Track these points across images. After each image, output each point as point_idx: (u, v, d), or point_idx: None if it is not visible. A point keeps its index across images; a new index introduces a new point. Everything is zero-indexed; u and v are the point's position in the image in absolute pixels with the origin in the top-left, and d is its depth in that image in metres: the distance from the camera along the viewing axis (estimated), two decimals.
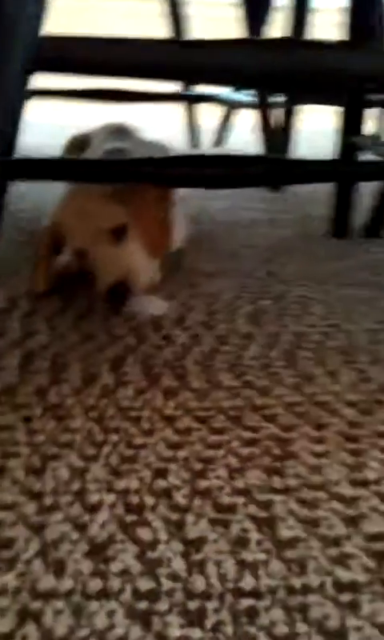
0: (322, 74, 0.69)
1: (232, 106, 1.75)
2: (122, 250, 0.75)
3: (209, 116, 2.02)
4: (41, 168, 0.61)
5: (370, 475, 0.51)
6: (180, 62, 0.62)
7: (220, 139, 1.94)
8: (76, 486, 0.48)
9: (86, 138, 1.08)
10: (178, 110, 1.96)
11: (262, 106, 1.40)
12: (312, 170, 0.76)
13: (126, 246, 0.76)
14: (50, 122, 2.21)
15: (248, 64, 0.65)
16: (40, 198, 1.25)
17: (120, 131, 1.06)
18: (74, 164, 0.58)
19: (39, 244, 0.81)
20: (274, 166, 0.70)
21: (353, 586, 0.41)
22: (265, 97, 1.39)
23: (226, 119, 1.93)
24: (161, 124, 2.37)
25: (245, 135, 2.11)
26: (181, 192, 0.95)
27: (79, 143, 1.08)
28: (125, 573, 0.41)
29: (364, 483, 0.50)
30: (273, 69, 0.67)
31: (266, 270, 0.93)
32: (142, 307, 0.77)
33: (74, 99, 1.51)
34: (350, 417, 0.58)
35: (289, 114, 1.38)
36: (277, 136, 1.37)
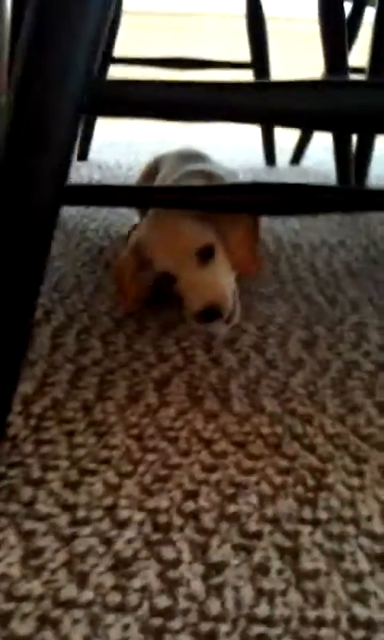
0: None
1: None
2: (210, 273, 0.76)
3: (286, 134, 2.03)
4: (97, 194, 0.64)
5: None
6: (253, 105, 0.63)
7: (297, 158, 1.94)
8: (108, 501, 0.50)
9: (160, 163, 1.11)
10: (255, 129, 1.97)
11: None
12: (373, 199, 0.76)
13: (214, 267, 0.77)
14: (127, 140, 2.28)
15: (322, 107, 0.65)
16: (106, 218, 1.29)
17: (192, 156, 1.08)
18: (120, 190, 0.60)
19: (122, 264, 0.82)
20: (333, 195, 0.71)
21: (368, 624, 0.41)
22: None
23: (304, 138, 1.93)
24: (238, 142, 2.40)
25: (321, 153, 2.10)
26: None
27: (154, 167, 1.11)
28: (144, 589, 0.42)
29: None
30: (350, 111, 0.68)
31: (324, 295, 0.93)
32: (218, 328, 0.78)
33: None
34: None
35: (363, 143, 1.37)
36: (349, 162, 1.36)
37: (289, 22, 2.56)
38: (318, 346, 0.78)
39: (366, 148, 1.38)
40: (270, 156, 1.91)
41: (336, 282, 0.99)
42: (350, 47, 1.60)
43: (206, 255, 0.76)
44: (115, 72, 1.80)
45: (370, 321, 0.85)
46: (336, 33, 1.25)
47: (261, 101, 0.43)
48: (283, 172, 1.83)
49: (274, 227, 1.27)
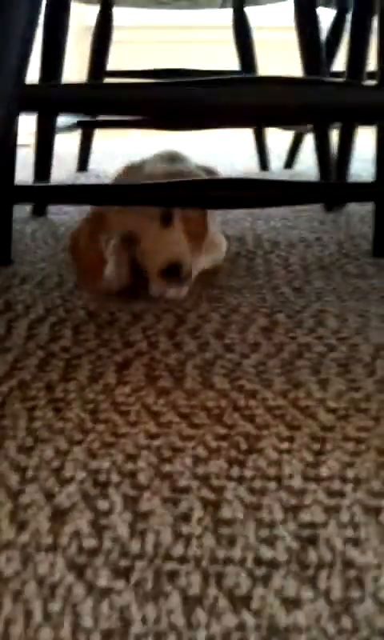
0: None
1: (302, 130, 1.81)
2: (171, 235, 0.84)
3: (279, 139, 2.09)
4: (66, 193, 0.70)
5: (324, 472, 0.55)
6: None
7: (290, 162, 2.00)
8: (56, 464, 0.56)
9: (141, 165, 1.17)
10: (247, 134, 2.03)
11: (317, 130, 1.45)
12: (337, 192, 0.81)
13: (174, 231, 0.85)
14: (126, 152, 2.35)
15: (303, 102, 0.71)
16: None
17: (172, 158, 1.15)
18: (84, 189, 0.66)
19: (77, 233, 0.91)
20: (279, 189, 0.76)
21: (271, 563, 0.45)
22: None
23: (296, 142, 1.98)
24: (236, 150, 2.46)
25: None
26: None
27: (136, 170, 1.18)
28: (76, 533, 0.48)
29: (316, 479, 0.54)
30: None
31: (292, 286, 0.98)
32: (176, 293, 0.88)
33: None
34: (325, 421, 0.63)
35: (344, 137, 1.42)
36: (329, 158, 1.41)
37: (275, 30, 2.63)
38: (276, 332, 0.83)
39: (346, 145, 1.43)
40: (263, 161, 1.97)
41: (306, 274, 1.04)
42: (334, 53, 1.65)
43: (166, 220, 0.85)
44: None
45: (330, 309, 0.90)
46: (311, 40, 1.31)
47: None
48: (276, 175, 1.88)
49: (256, 226, 1.32)
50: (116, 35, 1.79)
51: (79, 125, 1.57)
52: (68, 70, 1.42)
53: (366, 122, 1.34)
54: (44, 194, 0.68)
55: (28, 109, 0.48)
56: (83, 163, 1.93)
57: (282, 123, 1.42)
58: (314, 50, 1.31)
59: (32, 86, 0.48)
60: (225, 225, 1.31)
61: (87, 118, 1.63)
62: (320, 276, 1.03)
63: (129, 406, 0.65)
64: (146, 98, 0.60)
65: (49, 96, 0.49)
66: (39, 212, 1.36)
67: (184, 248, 0.86)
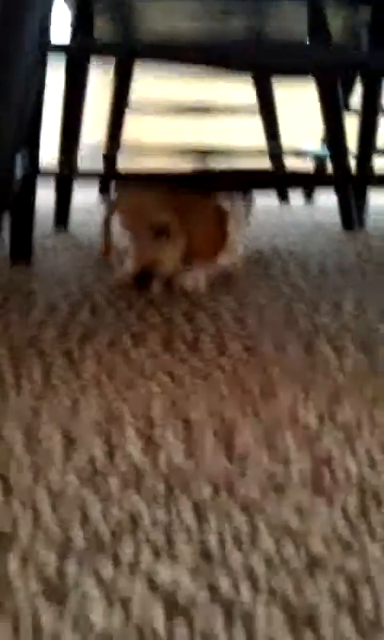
0: None
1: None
2: (155, 244, 0.87)
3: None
4: None
5: (339, 417, 0.55)
6: None
7: (309, 195, 2.04)
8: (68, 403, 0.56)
9: None
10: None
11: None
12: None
13: (162, 242, 0.88)
14: None
15: None
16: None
17: None
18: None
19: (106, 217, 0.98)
20: None
21: (283, 483, 0.45)
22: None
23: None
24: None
25: None
26: (236, 217, 1.06)
27: None
28: (90, 459, 0.47)
29: (331, 417, 0.54)
30: None
31: (310, 283, 0.99)
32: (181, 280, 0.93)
33: None
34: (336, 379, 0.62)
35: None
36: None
37: None
38: (292, 314, 0.83)
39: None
40: (283, 195, 2.02)
41: (324, 275, 1.05)
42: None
43: (159, 232, 0.89)
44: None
45: (348, 299, 0.90)
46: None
47: None
48: (295, 209, 1.92)
49: (275, 241, 1.34)
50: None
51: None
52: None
53: None
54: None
55: None
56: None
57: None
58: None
59: None
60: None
61: None
62: (339, 276, 1.04)
63: (144, 364, 0.65)
64: None
65: None
66: (61, 226, 1.41)
67: (161, 257, 0.90)
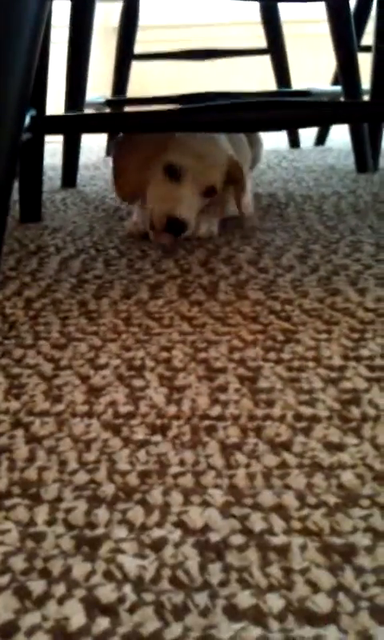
0: None
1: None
2: (176, 190, 0.85)
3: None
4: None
5: (365, 353, 0.53)
6: None
7: (321, 139, 1.98)
8: (90, 355, 0.55)
9: None
10: None
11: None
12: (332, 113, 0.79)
13: (180, 187, 0.85)
14: None
15: None
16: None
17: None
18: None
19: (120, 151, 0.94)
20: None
21: (312, 418, 0.44)
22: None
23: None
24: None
25: (345, 136, 2.13)
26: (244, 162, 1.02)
27: None
28: (111, 403, 0.47)
29: (357, 358, 0.52)
30: None
31: (325, 225, 0.96)
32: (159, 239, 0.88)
33: None
34: (363, 317, 0.61)
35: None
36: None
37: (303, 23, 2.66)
38: (311, 257, 0.81)
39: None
40: (294, 140, 1.97)
41: (339, 217, 1.03)
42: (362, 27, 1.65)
43: (171, 174, 0.85)
44: (136, 66, 1.92)
45: (366, 239, 0.88)
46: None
47: None
48: (306, 152, 1.87)
49: (288, 186, 1.31)
50: (141, 35, 1.82)
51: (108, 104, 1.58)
52: (92, 69, 1.44)
53: None
54: (74, 124, 0.69)
55: None
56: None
57: None
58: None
59: None
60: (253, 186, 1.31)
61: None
62: (354, 217, 1.01)
63: (162, 314, 0.64)
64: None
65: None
66: (69, 183, 1.38)
67: (186, 206, 0.85)
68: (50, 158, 1.87)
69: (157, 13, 2.84)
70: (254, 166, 1.30)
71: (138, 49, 1.84)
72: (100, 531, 0.34)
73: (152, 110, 0.66)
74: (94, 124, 0.74)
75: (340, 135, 2.22)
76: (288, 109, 0.78)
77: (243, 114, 0.77)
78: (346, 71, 1.35)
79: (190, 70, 2.91)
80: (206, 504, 0.36)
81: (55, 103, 1.58)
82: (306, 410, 0.45)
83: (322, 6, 1.33)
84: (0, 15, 0.57)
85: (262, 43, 1.86)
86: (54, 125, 0.74)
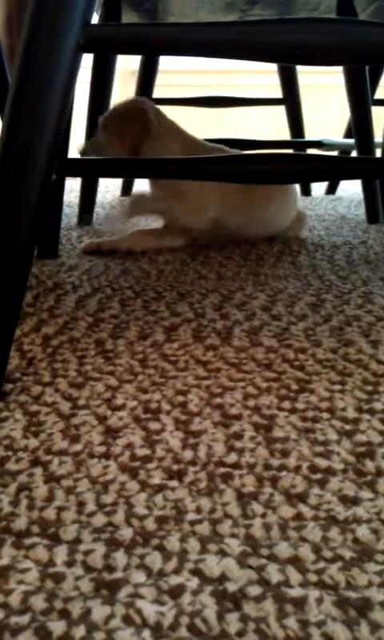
0: None
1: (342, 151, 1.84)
2: None
3: None
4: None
5: (378, 406, 0.54)
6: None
7: (332, 189, 2.02)
8: (107, 395, 0.56)
9: None
10: None
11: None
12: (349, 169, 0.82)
13: None
14: None
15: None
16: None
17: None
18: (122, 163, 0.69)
19: None
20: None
21: (327, 470, 0.44)
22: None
23: None
24: None
25: (355, 186, 2.18)
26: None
27: None
28: (128, 445, 0.47)
29: (370, 411, 0.53)
30: None
31: (338, 275, 0.98)
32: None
33: None
34: (376, 370, 0.62)
35: None
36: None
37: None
38: (324, 307, 0.82)
39: None
40: (306, 188, 2.01)
41: (351, 267, 1.04)
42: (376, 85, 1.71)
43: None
44: None
45: (378, 291, 0.90)
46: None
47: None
48: (317, 200, 1.91)
49: (299, 233, 1.33)
50: (160, 79, 1.88)
51: None
52: None
53: None
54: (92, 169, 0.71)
55: None
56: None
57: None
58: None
59: None
60: None
61: None
62: (366, 268, 1.03)
63: (177, 357, 0.65)
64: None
65: None
66: (86, 221, 1.41)
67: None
68: (66, 195, 1.91)
69: (175, 58, 2.93)
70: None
71: (156, 92, 1.90)
72: (119, 575, 0.34)
73: (166, 158, 0.69)
74: (114, 169, 0.76)
75: (350, 185, 2.26)
76: (302, 162, 0.80)
77: (255, 166, 0.79)
78: (360, 127, 1.39)
79: (206, 114, 2.98)
80: (222, 553, 0.36)
81: (75, 143, 1.62)
82: (322, 462, 0.45)
83: None
84: (37, 65, 0.59)
85: (277, 90, 1.92)
86: (76, 168, 0.76)
